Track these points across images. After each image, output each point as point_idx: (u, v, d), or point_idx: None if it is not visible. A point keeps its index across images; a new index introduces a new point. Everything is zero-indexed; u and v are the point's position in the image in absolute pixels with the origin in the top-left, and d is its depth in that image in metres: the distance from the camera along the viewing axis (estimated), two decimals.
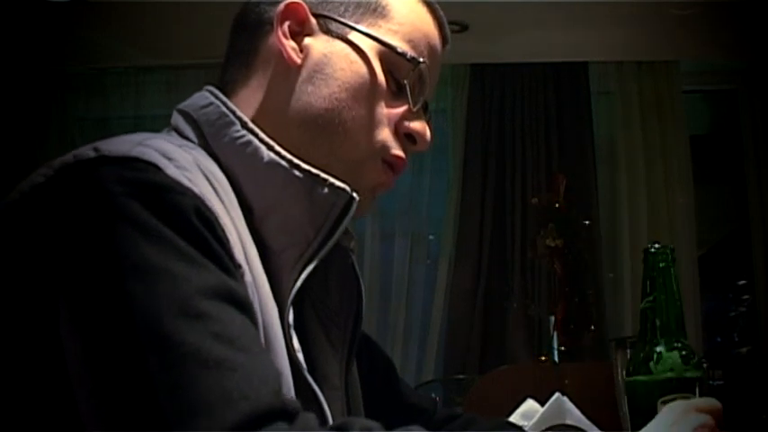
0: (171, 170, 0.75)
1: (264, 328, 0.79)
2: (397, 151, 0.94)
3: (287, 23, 0.92)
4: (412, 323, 3.62)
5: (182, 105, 0.93)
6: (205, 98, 0.91)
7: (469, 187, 3.61)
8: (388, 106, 0.93)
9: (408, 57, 0.92)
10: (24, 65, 3.44)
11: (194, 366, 0.64)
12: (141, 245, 0.69)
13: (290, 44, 0.92)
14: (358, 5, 0.94)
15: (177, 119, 0.92)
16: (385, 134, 0.93)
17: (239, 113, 0.89)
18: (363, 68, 0.91)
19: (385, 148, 0.93)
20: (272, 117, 0.91)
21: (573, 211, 3.05)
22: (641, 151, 3.62)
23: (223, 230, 0.76)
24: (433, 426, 1.10)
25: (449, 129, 3.63)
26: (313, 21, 0.93)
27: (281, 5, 0.92)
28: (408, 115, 0.94)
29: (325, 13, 0.93)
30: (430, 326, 3.59)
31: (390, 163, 0.94)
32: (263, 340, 0.78)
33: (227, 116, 0.88)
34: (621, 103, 3.68)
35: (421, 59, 0.93)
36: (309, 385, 0.84)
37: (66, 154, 0.77)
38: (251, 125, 0.88)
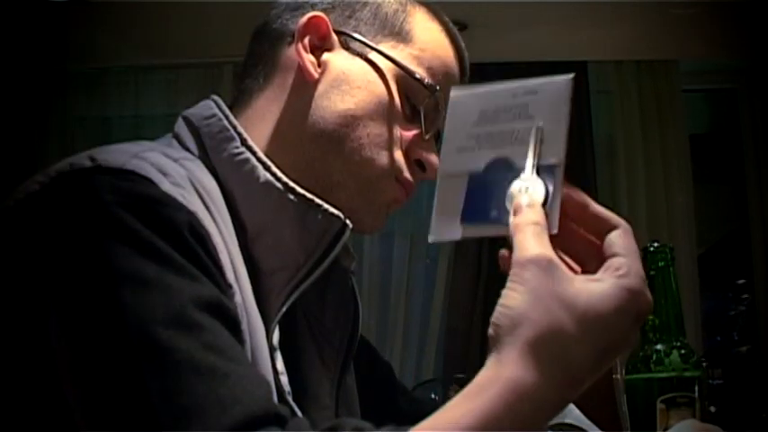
0: (165, 186, 0.75)
1: (252, 349, 0.79)
2: (407, 175, 0.94)
3: (308, 37, 0.92)
4: (411, 322, 3.62)
5: (187, 112, 0.92)
6: (209, 108, 0.91)
7: None
8: (401, 129, 0.93)
9: (426, 83, 0.92)
10: (24, 64, 3.44)
11: (188, 373, 0.64)
12: (135, 255, 0.68)
13: (308, 58, 0.92)
14: (382, 26, 0.94)
15: (181, 126, 0.91)
16: (398, 155, 0.93)
17: (240, 129, 0.88)
18: (380, 88, 0.91)
19: (398, 168, 0.93)
20: (287, 129, 0.91)
21: None
22: (641, 150, 3.62)
23: (215, 249, 0.76)
24: None
25: None
26: (335, 37, 0.93)
27: (304, 19, 0.92)
28: (420, 142, 0.94)
29: (348, 30, 0.93)
30: (429, 325, 3.59)
31: (402, 183, 0.94)
32: (249, 361, 0.77)
33: (228, 131, 0.88)
34: (621, 103, 3.68)
35: (437, 88, 0.93)
36: (291, 408, 0.84)
37: (62, 161, 0.76)
38: (250, 142, 0.88)
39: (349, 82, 0.91)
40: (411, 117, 0.93)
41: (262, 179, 0.86)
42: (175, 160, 0.81)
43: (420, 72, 0.93)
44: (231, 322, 0.72)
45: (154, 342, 0.65)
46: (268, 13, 0.97)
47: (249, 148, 0.87)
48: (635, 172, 3.60)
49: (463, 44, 1.00)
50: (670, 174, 3.60)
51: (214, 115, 0.90)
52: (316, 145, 0.90)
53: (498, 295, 0.63)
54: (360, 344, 1.04)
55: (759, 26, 3.20)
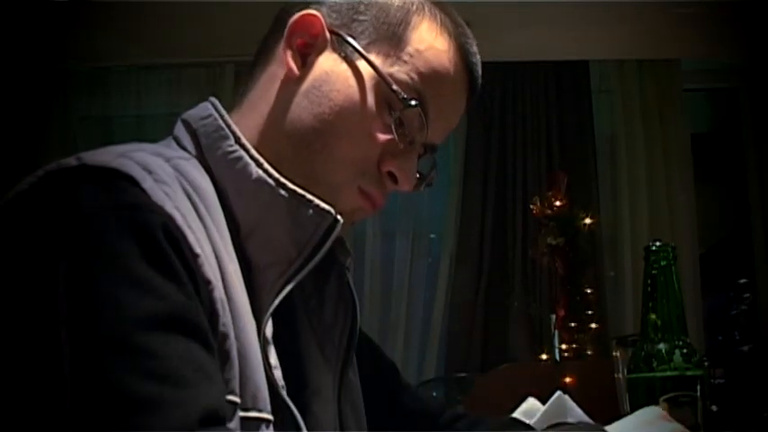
0: (148, 183, 0.75)
1: (239, 344, 0.79)
2: (370, 188, 0.92)
3: (297, 34, 0.92)
4: (413, 321, 3.62)
5: (185, 114, 0.93)
6: (206, 109, 0.92)
7: (470, 186, 3.62)
8: (379, 138, 0.91)
9: (400, 96, 0.90)
10: (26, 63, 3.44)
11: (121, 406, 0.64)
12: (94, 265, 0.69)
13: (291, 54, 0.92)
14: (379, 28, 0.92)
15: (179, 128, 0.92)
16: (365, 164, 0.91)
17: (234, 128, 0.89)
18: (357, 95, 0.90)
19: (363, 177, 0.92)
20: (267, 124, 0.92)
21: (574, 209, 3.05)
22: (642, 150, 3.62)
23: (191, 248, 0.76)
24: (438, 428, 1.10)
25: None
26: (329, 37, 0.92)
27: (296, 16, 0.92)
28: (395, 152, 0.92)
29: (341, 31, 0.92)
30: (431, 324, 3.59)
31: (367, 194, 0.93)
32: (235, 356, 0.78)
33: (223, 130, 0.89)
34: (622, 102, 3.68)
35: (413, 102, 0.90)
36: (285, 402, 0.84)
37: (53, 162, 0.77)
38: (244, 140, 0.89)
39: (329, 84, 0.90)
40: (391, 127, 0.91)
41: (254, 176, 0.87)
42: (168, 159, 0.82)
43: (403, 79, 0.90)
44: (193, 331, 0.71)
45: (91, 370, 0.65)
46: (284, 5, 0.97)
47: (243, 146, 0.88)
48: (636, 171, 3.60)
49: (477, 60, 0.98)
50: (671, 173, 3.60)
51: (210, 115, 0.91)
52: (288, 145, 0.90)
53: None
54: (363, 342, 1.04)
55: (760, 26, 3.20)
